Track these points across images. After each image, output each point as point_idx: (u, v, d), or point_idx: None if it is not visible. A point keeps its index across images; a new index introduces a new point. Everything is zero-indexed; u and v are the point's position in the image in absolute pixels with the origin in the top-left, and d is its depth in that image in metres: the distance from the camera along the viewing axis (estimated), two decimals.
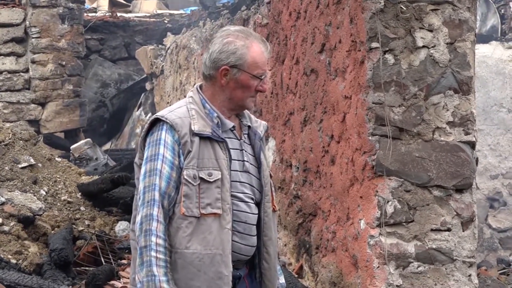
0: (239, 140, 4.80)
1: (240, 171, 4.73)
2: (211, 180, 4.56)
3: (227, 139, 4.71)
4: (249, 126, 4.88)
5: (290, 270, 9.00)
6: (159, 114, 4.73)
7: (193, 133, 4.60)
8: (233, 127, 4.77)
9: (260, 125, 4.95)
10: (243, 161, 4.76)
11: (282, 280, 5.06)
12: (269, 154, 10.08)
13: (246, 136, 4.87)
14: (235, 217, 4.64)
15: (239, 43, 4.72)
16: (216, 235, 4.52)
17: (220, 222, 4.53)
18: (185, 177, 4.56)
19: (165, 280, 4.49)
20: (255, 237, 4.76)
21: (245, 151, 4.80)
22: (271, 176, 4.98)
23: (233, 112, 4.80)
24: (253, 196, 4.76)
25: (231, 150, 4.69)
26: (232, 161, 4.69)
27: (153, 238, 4.51)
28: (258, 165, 4.84)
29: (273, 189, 4.93)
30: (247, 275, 4.82)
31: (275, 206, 4.90)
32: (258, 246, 4.80)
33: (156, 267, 4.49)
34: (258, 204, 4.81)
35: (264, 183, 4.82)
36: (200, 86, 4.88)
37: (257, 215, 4.77)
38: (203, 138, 4.61)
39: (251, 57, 4.69)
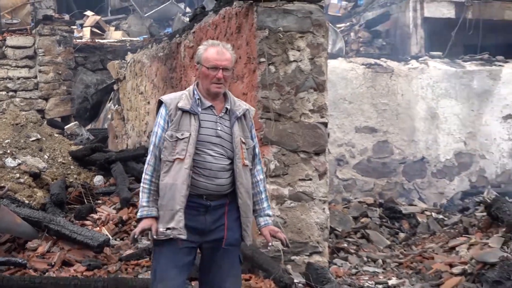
0: (215, 115, 4.70)
1: (213, 136, 4.65)
2: (181, 138, 4.58)
3: (203, 113, 4.67)
4: (227, 108, 4.76)
5: None
6: (162, 97, 4.84)
7: (178, 108, 4.64)
8: (211, 106, 4.71)
9: (239, 108, 4.82)
10: (216, 129, 4.67)
11: (269, 211, 4.96)
12: None
13: (225, 114, 4.75)
14: (202, 164, 4.61)
15: (201, 48, 4.73)
16: (177, 172, 4.56)
17: (181, 164, 4.55)
18: (166, 136, 4.63)
19: (145, 201, 4.64)
20: (223, 179, 4.67)
21: (220, 123, 4.70)
22: (255, 147, 4.90)
23: (209, 96, 4.73)
24: (224, 153, 4.68)
25: (203, 120, 4.65)
26: (205, 128, 4.65)
27: (144, 175, 4.70)
28: (232, 134, 4.73)
29: (245, 151, 4.77)
30: (228, 204, 4.72)
31: (244, 162, 4.75)
32: (236, 187, 4.73)
33: (141, 193, 4.68)
34: (232, 159, 4.72)
35: (235, 146, 4.71)
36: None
37: (224, 165, 4.68)
38: (184, 111, 4.63)
39: (205, 55, 4.66)
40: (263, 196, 4.92)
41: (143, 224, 4.64)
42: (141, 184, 4.71)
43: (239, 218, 4.78)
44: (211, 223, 4.68)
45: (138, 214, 4.71)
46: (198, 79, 4.81)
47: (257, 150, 4.93)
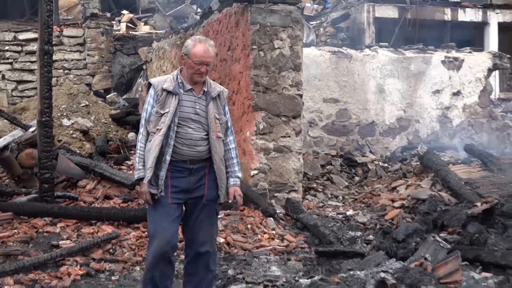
0: (195, 96, 4.40)
1: (192, 113, 4.36)
2: (163, 113, 4.29)
3: (184, 94, 4.36)
4: (204, 90, 4.45)
5: None
6: (150, 80, 4.51)
7: (163, 89, 4.36)
8: (191, 89, 4.41)
9: (214, 90, 4.47)
10: (195, 108, 4.37)
11: (239, 174, 4.61)
12: None
13: (203, 95, 4.43)
14: (184, 135, 4.32)
15: (190, 43, 4.43)
16: (155, 139, 4.26)
17: (159, 133, 4.26)
18: (152, 111, 4.35)
19: (141, 165, 4.32)
20: (201, 147, 4.35)
21: (198, 103, 4.40)
22: (227, 121, 4.54)
23: (192, 81, 4.43)
24: (201, 127, 4.36)
25: (184, 100, 4.36)
26: (185, 107, 4.37)
27: (138, 144, 4.40)
28: (207, 111, 4.41)
29: (218, 125, 4.44)
30: (209, 167, 4.41)
31: (217, 134, 4.41)
32: (212, 155, 4.41)
33: (137, 158, 4.37)
34: (208, 132, 4.40)
35: (209, 121, 4.39)
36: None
37: (202, 136, 4.37)
38: (168, 92, 4.35)
39: (193, 51, 4.36)
40: (235, 161, 4.57)
41: (144, 189, 4.31)
42: (137, 152, 4.40)
43: (216, 179, 4.47)
44: (194, 183, 4.38)
45: (136, 175, 4.38)
46: (183, 66, 4.48)
47: (229, 123, 4.58)
